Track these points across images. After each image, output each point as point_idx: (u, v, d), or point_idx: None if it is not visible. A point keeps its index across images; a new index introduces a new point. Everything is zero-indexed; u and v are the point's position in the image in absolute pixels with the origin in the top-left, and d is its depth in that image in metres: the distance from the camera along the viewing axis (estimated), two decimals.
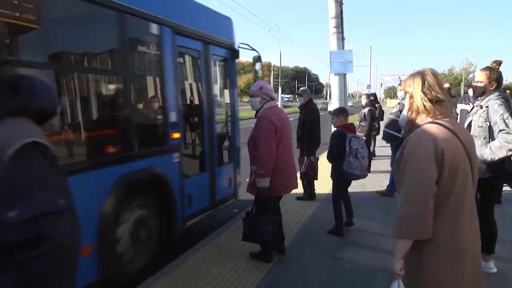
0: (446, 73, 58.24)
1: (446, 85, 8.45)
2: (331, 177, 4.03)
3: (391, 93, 66.64)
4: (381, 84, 55.22)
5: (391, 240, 2.21)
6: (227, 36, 4.57)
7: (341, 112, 3.91)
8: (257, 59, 5.17)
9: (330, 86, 9.52)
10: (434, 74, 1.58)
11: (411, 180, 1.44)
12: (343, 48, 12.30)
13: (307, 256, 3.22)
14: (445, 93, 1.58)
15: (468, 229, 1.47)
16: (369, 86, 28.39)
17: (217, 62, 4.72)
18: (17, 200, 0.70)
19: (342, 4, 12.85)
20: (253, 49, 4.97)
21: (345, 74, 12.00)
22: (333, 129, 4.12)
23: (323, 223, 3.96)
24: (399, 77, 58.30)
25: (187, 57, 4.47)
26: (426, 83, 1.54)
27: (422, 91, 1.53)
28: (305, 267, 2.99)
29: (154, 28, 3.36)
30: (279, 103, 8.46)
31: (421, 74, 1.57)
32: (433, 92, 1.52)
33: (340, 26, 12.28)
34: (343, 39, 12.60)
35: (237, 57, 4.59)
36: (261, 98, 3.19)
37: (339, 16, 12.19)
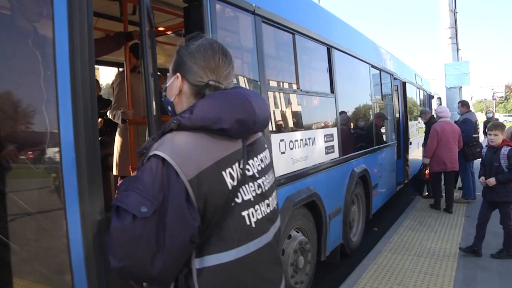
0: None
1: None
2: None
3: (482, 106, 61.97)
4: (471, 97, 51.55)
5: None
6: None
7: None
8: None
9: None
10: None
11: None
12: (458, 59, 12.63)
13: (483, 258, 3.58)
14: None
15: None
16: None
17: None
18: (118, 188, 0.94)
19: (456, 13, 12.73)
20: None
21: (461, 87, 12.55)
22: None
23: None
24: (492, 89, 54.01)
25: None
26: None
27: None
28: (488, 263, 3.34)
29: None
30: None
31: None
32: None
33: (454, 37, 12.39)
34: (457, 50, 12.69)
35: None
36: (437, 115, 5.74)
37: (454, 26, 12.28)
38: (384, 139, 5.44)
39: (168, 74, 1.09)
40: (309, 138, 2.98)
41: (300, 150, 2.87)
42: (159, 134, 0.98)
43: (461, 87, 12.20)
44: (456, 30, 12.19)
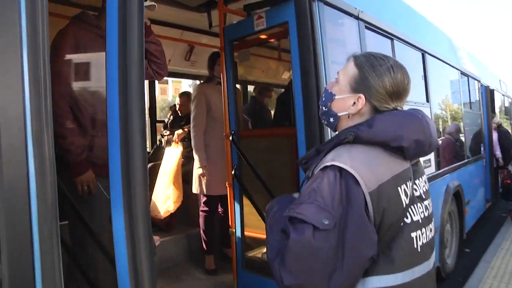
0: None
1: None
2: None
3: None
4: None
5: None
6: None
7: None
8: None
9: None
10: None
11: None
12: None
13: None
14: None
15: None
16: None
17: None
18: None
19: None
20: None
21: None
22: None
23: None
24: None
25: None
26: None
27: None
28: None
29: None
30: None
31: None
32: None
33: None
34: None
35: None
36: None
37: None
38: (475, 152, 5.02)
39: (337, 81, 1.02)
40: None
41: None
42: (329, 145, 0.96)
43: None
44: None
